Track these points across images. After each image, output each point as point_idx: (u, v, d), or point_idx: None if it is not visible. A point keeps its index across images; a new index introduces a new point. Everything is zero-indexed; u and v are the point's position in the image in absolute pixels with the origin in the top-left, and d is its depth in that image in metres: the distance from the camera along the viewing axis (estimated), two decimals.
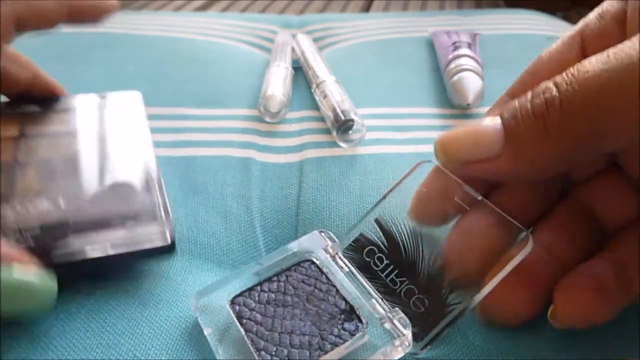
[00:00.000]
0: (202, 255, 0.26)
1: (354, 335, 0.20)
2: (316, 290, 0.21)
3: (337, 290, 0.21)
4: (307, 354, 0.19)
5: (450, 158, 0.21)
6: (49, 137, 0.26)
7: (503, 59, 0.41)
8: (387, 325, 0.20)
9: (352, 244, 0.23)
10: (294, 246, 0.23)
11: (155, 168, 0.25)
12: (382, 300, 0.21)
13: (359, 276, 0.22)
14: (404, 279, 0.21)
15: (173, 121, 0.34)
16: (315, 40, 0.47)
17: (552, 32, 0.48)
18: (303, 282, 0.22)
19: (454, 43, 0.40)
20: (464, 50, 0.39)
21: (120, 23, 0.48)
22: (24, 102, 0.28)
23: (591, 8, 0.23)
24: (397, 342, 0.19)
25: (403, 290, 0.21)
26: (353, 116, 0.31)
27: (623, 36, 0.20)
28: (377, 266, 0.22)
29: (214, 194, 0.29)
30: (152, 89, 0.37)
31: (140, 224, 0.22)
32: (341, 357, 0.19)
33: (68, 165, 0.25)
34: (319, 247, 0.23)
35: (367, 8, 0.92)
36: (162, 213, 0.23)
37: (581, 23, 0.22)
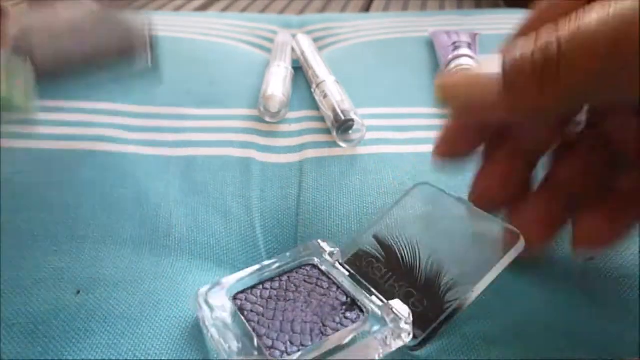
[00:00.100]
0: (202, 255, 0.26)
1: (355, 322, 0.20)
2: (317, 288, 0.21)
3: (338, 287, 0.21)
4: (309, 338, 0.19)
5: (449, 102, 0.21)
6: None
7: None
8: (388, 315, 0.20)
9: (351, 257, 0.24)
10: (294, 253, 0.23)
11: None
12: (382, 297, 0.21)
13: (359, 278, 0.22)
14: (403, 283, 0.22)
15: (173, 121, 0.34)
16: (315, 40, 0.47)
17: None
18: (304, 281, 0.22)
19: (454, 43, 0.40)
20: (464, 50, 0.39)
21: None
22: None
23: None
24: (397, 330, 0.19)
25: (402, 293, 0.22)
26: (353, 116, 0.31)
27: None
28: (376, 275, 0.23)
29: (214, 194, 0.29)
30: (152, 88, 0.37)
31: None
32: (342, 342, 0.19)
33: None
34: (320, 254, 0.23)
35: (367, 8, 0.92)
36: None
37: None
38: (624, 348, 0.21)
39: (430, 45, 0.45)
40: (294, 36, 0.44)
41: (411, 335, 0.20)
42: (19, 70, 0.29)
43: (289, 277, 0.22)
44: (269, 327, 0.20)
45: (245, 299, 0.21)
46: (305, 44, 0.42)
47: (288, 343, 0.19)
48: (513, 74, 0.19)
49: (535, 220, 0.22)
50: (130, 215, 0.27)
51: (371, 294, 0.21)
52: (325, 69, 0.38)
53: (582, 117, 0.23)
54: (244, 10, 0.92)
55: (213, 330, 0.20)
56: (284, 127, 0.34)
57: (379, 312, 0.20)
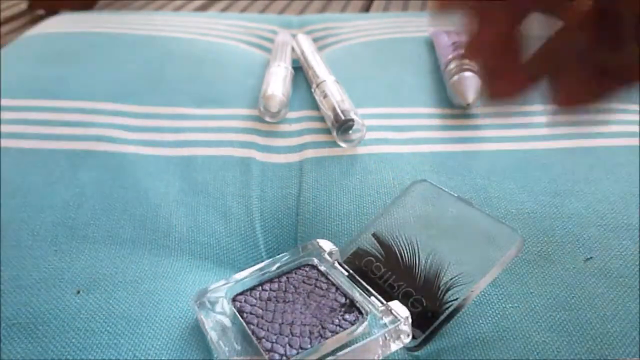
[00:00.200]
0: (202, 255, 0.26)
1: (354, 324, 0.20)
2: (316, 289, 0.21)
3: (337, 288, 0.21)
4: (308, 341, 0.19)
5: None
6: None
7: None
8: (387, 317, 0.20)
9: (350, 256, 0.24)
10: (293, 253, 0.23)
11: None
12: (381, 297, 0.21)
13: (358, 278, 0.22)
14: (402, 283, 0.22)
15: (173, 121, 0.34)
16: (315, 40, 0.47)
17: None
18: (304, 282, 0.22)
19: (454, 43, 0.40)
20: None
21: (120, 23, 0.48)
22: None
23: None
24: (396, 331, 0.19)
25: (401, 293, 0.22)
26: (353, 116, 0.31)
27: None
28: (375, 274, 0.23)
29: (214, 194, 0.29)
30: (152, 88, 0.37)
31: None
32: (341, 344, 0.19)
33: None
34: (319, 254, 0.23)
35: (367, 8, 0.92)
36: None
37: None
38: (624, 348, 0.21)
39: (430, 45, 0.45)
40: (294, 36, 0.44)
41: (410, 336, 0.20)
42: None
43: (288, 278, 0.22)
44: (268, 329, 0.20)
45: (245, 301, 0.21)
46: (305, 44, 0.42)
47: (287, 346, 0.19)
48: None
49: (514, 70, 0.21)
50: (130, 215, 0.27)
51: (370, 294, 0.21)
52: (325, 69, 0.38)
53: None
54: (243, 10, 0.92)
55: (212, 333, 0.20)
56: (284, 127, 0.34)
57: (378, 314, 0.20)
